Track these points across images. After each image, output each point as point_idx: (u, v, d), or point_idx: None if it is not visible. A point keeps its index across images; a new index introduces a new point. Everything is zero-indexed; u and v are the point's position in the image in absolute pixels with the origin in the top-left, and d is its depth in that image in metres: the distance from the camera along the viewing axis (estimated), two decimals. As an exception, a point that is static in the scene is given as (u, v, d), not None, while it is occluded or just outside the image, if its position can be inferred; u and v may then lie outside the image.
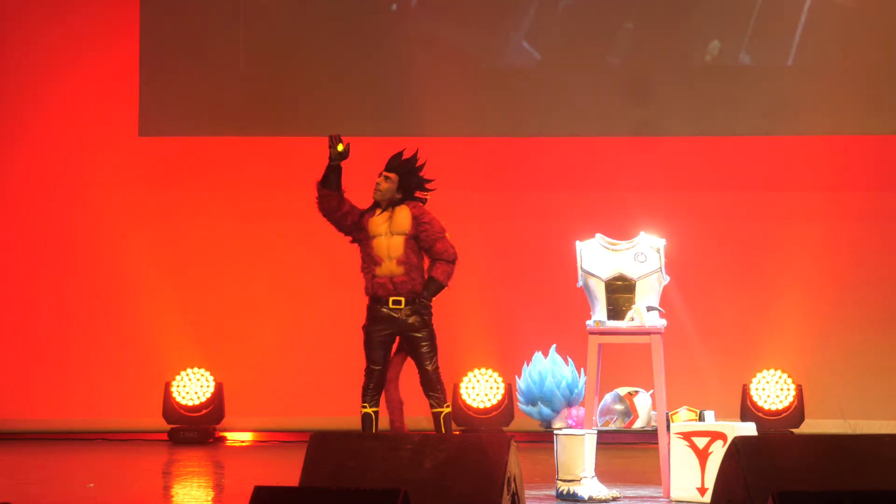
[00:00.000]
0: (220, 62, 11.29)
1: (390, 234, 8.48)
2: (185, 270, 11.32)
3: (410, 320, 8.41)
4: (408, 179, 8.56)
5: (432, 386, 8.45)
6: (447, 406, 8.44)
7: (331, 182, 8.43)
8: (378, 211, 8.52)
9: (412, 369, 8.41)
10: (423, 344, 8.43)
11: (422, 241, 8.45)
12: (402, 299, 8.42)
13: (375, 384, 8.47)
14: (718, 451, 7.30)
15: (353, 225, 8.51)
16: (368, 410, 8.50)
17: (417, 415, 11.25)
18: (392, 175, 8.51)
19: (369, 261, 8.50)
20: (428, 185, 8.54)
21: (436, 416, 8.38)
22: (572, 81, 11.04)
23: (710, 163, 11.20)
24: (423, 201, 8.62)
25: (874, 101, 10.94)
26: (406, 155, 8.52)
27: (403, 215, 8.52)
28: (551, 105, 11.08)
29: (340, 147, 8.33)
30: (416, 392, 8.45)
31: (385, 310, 8.44)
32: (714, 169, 11.21)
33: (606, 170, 11.22)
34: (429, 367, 8.45)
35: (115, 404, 11.25)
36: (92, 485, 8.28)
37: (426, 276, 8.49)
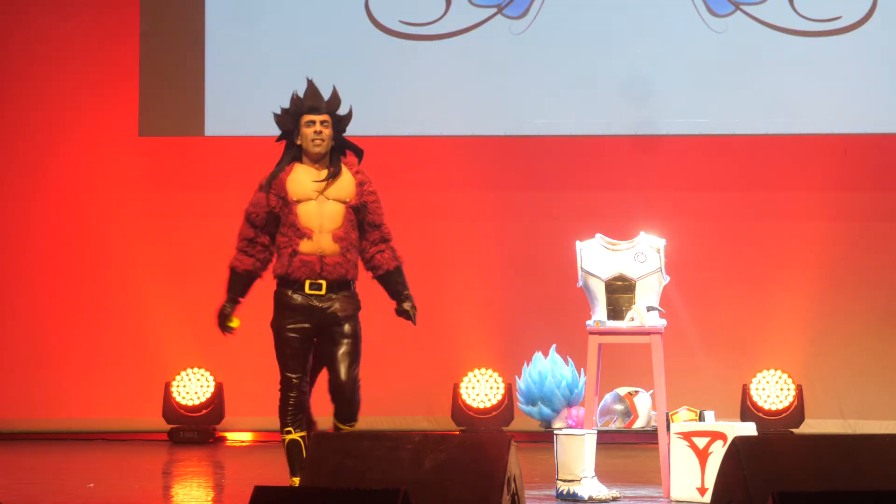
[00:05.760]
0: (221, 62, 11.29)
1: (325, 198, 6.86)
2: (186, 270, 11.31)
3: (333, 309, 6.79)
4: (338, 121, 6.99)
5: (344, 398, 6.75)
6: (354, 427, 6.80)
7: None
8: (299, 165, 6.93)
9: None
10: (344, 341, 6.80)
11: (367, 215, 6.91)
12: (323, 283, 6.76)
13: (296, 399, 6.81)
14: (718, 451, 7.30)
15: (275, 222, 6.94)
16: (294, 436, 6.78)
17: (416, 414, 11.27)
18: (328, 118, 6.92)
19: (292, 232, 6.81)
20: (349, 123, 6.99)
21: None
22: (572, 81, 11.04)
23: (710, 163, 11.20)
24: (361, 154, 7.00)
25: (874, 100, 10.93)
26: (330, 93, 6.99)
27: (346, 179, 6.90)
28: (551, 105, 11.08)
29: (233, 324, 7.06)
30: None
31: (299, 297, 6.80)
32: (714, 169, 11.20)
33: (606, 170, 11.22)
34: (342, 375, 6.73)
35: (115, 404, 11.25)
36: (92, 485, 8.28)
37: (376, 263, 6.93)
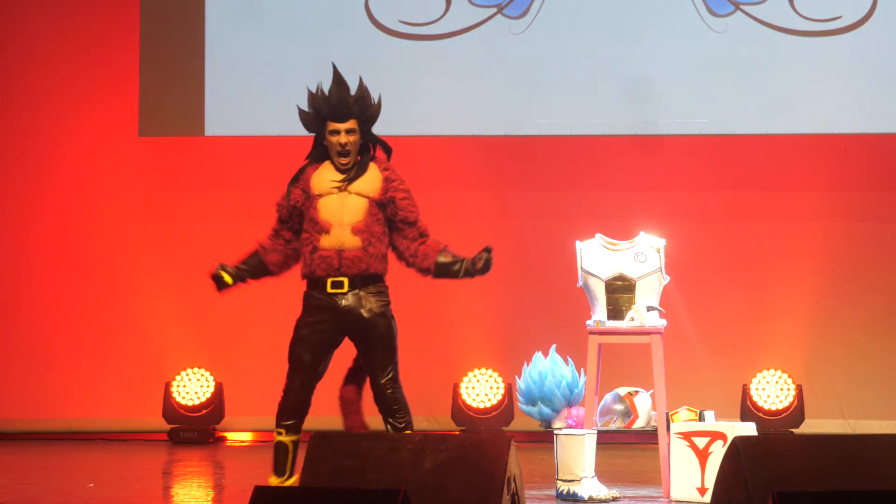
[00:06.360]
0: (221, 62, 11.29)
1: (347, 192, 6.65)
2: (185, 270, 11.30)
3: (359, 310, 6.57)
4: (365, 121, 6.81)
5: (387, 406, 6.61)
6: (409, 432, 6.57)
7: (250, 274, 6.88)
8: (328, 162, 6.77)
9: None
10: (378, 344, 6.61)
11: (398, 212, 6.72)
12: (345, 280, 6.52)
13: (297, 400, 6.61)
14: (718, 451, 7.30)
15: (298, 219, 6.78)
16: (284, 439, 6.61)
17: (416, 414, 11.25)
18: (355, 124, 6.74)
19: (312, 227, 6.61)
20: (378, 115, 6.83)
21: None
22: (572, 81, 11.04)
23: (710, 163, 11.20)
24: (389, 151, 6.80)
25: (874, 100, 10.93)
26: (357, 88, 6.82)
27: (372, 174, 6.71)
28: (551, 105, 11.08)
29: (228, 280, 6.87)
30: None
31: (322, 296, 6.59)
32: (714, 169, 11.20)
33: (606, 170, 11.22)
34: (381, 380, 6.60)
35: (115, 404, 11.25)
36: (92, 485, 8.28)
37: (422, 252, 6.71)
